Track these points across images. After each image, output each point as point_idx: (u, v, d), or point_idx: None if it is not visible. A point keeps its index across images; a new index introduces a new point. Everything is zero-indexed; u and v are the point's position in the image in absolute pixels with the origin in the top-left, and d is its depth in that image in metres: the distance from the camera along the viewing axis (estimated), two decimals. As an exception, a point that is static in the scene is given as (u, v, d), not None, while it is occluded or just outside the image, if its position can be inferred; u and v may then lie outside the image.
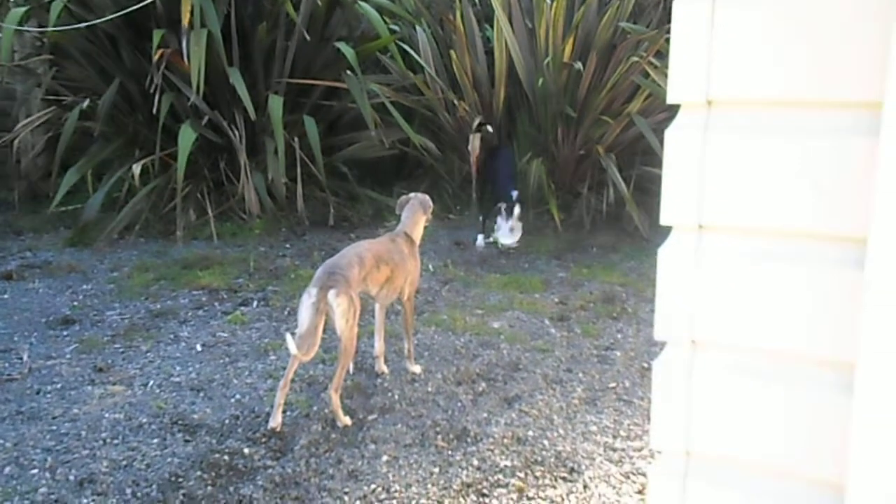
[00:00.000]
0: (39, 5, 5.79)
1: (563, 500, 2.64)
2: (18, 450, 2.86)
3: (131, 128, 6.01)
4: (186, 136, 5.33)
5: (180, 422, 3.09)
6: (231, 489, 2.66)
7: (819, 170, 1.14)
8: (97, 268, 4.98)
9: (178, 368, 3.58)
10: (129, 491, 2.63)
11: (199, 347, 3.82)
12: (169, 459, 2.82)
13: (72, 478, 2.70)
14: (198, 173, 5.82)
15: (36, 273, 4.88)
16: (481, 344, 3.92)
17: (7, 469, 2.74)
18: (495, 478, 2.75)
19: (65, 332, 3.99)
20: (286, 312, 4.25)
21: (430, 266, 5.09)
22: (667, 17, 5.34)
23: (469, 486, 2.70)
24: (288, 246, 5.50)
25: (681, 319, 1.26)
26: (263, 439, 2.97)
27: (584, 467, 2.84)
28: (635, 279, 4.90)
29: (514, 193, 5.34)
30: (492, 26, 6.40)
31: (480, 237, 5.63)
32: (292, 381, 3.13)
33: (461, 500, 2.63)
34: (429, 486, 2.70)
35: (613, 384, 3.51)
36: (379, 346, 3.57)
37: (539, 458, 2.88)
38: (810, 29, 1.12)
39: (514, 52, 6.10)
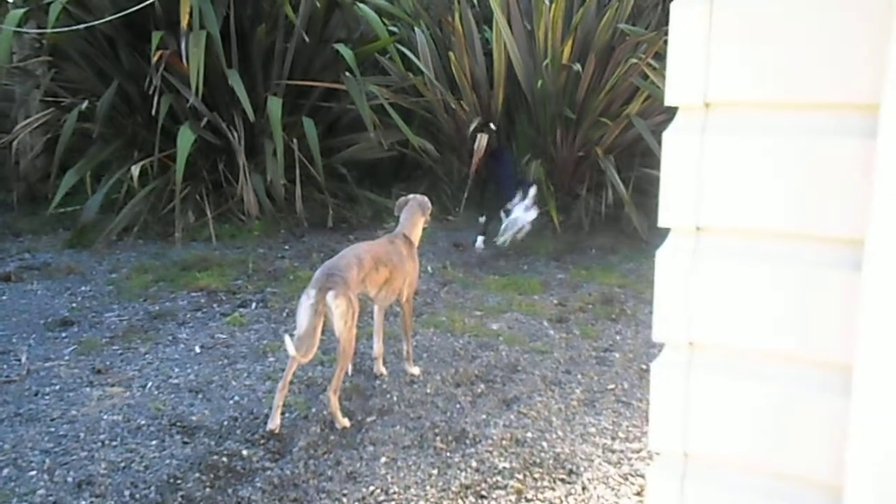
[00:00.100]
0: (38, 7, 5.79)
1: (561, 501, 2.64)
2: (17, 451, 2.86)
3: (130, 129, 6.01)
4: (185, 138, 5.33)
5: (179, 423, 3.09)
6: (230, 491, 2.66)
7: (816, 172, 1.14)
8: (96, 269, 4.98)
9: (176, 370, 3.58)
10: (127, 493, 2.63)
11: (197, 349, 3.82)
12: (167, 461, 2.82)
13: (70, 479, 2.69)
14: (196, 175, 5.82)
15: (34, 274, 4.87)
16: (480, 345, 3.92)
17: (5, 471, 2.74)
18: (494, 479, 2.75)
19: (63, 334, 3.99)
20: (285, 314, 4.25)
21: (429, 267, 5.09)
22: (665, 19, 5.34)
23: (468, 487, 2.70)
24: (287, 247, 5.50)
25: (679, 321, 1.26)
26: (262, 441, 2.97)
27: (582, 469, 2.84)
28: (634, 281, 4.90)
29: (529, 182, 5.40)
30: (491, 28, 6.41)
31: (480, 239, 5.63)
32: (291, 382, 3.13)
33: (460, 501, 2.63)
34: (427, 487, 2.70)
35: (612, 386, 3.51)
36: (377, 347, 3.57)
37: (538, 460, 2.88)
38: (808, 32, 1.13)
39: (513, 54, 6.10)
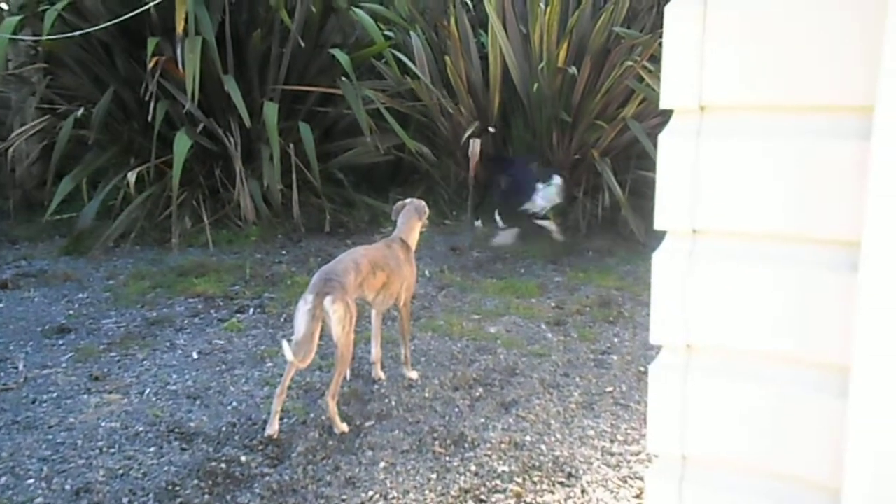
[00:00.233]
0: (33, 14, 5.79)
1: (560, 505, 2.64)
2: (14, 459, 2.85)
3: (126, 136, 6.01)
4: (182, 144, 5.33)
5: (177, 430, 3.08)
6: (228, 497, 2.65)
7: (812, 174, 1.14)
8: (93, 276, 4.97)
9: (174, 376, 3.57)
10: (125, 500, 2.62)
11: (195, 355, 3.81)
12: (166, 468, 2.82)
13: (68, 487, 2.69)
14: (193, 181, 5.82)
15: (31, 282, 4.86)
16: (478, 349, 3.91)
17: (3, 479, 2.73)
18: (493, 483, 2.75)
19: (60, 341, 3.98)
20: (282, 319, 4.24)
21: (427, 272, 5.09)
22: (660, 22, 5.35)
23: (467, 491, 2.70)
24: (284, 252, 5.50)
25: (676, 324, 1.27)
26: (260, 447, 2.96)
27: (581, 472, 2.84)
28: (631, 283, 4.90)
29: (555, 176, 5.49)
30: (486, 32, 6.41)
31: (478, 222, 5.86)
32: (289, 388, 3.13)
33: (459, 506, 2.63)
34: (426, 492, 2.70)
35: (610, 388, 3.51)
36: (375, 352, 3.56)
37: (537, 463, 2.88)
38: (802, 34, 1.13)
39: (509, 58, 6.11)
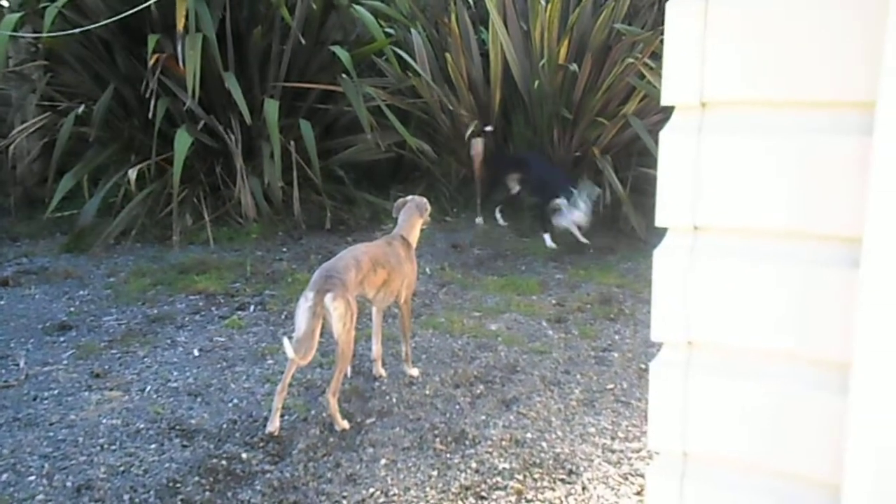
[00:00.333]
0: (34, 11, 5.78)
1: (561, 502, 2.64)
2: (15, 456, 2.86)
3: (127, 133, 6.01)
4: (182, 141, 5.33)
5: (178, 427, 3.08)
6: (229, 494, 2.65)
7: (813, 170, 1.14)
8: (94, 273, 4.97)
9: (175, 373, 3.57)
10: (126, 497, 2.62)
11: (196, 352, 3.81)
12: (167, 465, 2.82)
13: (69, 484, 2.69)
14: (194, 178, 5.81)
15: (32, 279, 4.87)
16: (479, 346, 3.91)
17: (4, 476, 2.73)
18: (494, 480, 2.75)
19: (61, 338, 3.98)
20: (283, 316, 4.24)
21: (427, 269, 5.08)
22: (661, 19, 5.35)
23: (468, 488, 2.70)
24: (285, 250, 5.50)
25: (677, 321, 1.26)
26: (261, 444, 2.97)
27: (582, 469, 2.84)
28: (632, 280, 4.90)
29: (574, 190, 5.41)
30: (487, 29, 6.41)
31: (479, 219, 5.93)
32: (290, 385, 3.13)
33: (460, 503, 2.63)
34: (427, 489, 2.70)
35: (611, 385, 3.51)
36: (376, 349, 3.56)
37: (537, 460, 2.88)
38: (803, 30, 1.13)
39: (510, 55, 6.10)
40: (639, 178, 5.83)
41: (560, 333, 4.11)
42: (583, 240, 5.47)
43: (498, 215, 6.01)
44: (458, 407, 3.29)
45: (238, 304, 4.47)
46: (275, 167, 5.54)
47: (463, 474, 2.79)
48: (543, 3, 5.97)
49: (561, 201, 5.41)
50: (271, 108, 5.51)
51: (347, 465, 2.84)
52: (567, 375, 3.61)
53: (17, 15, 5.67)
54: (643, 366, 3.66)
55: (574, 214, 5.37)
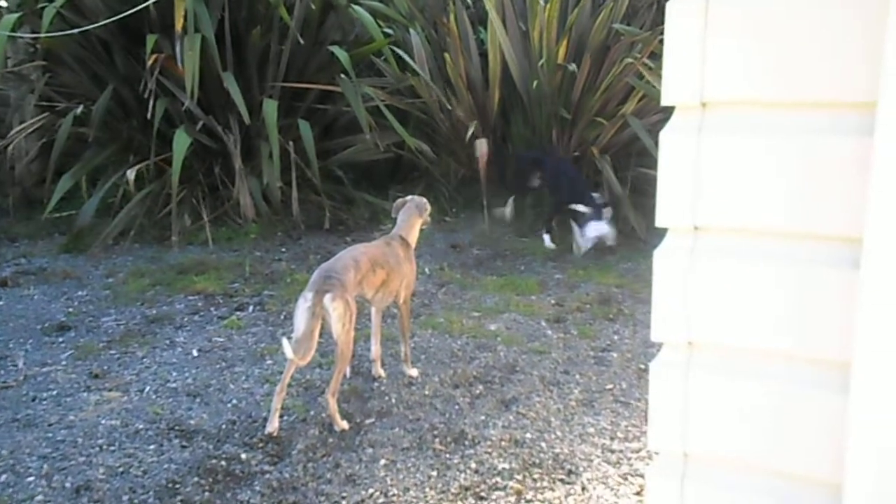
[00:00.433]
0: (32, 11, 5.78)
1: (561, 502, 2.64)
2: (14, 457, 2.85)
3: (125, 133, 6.00)
4: (181, 141, 5.32)
5: (177, 427, 3.08)
6: (228, 495, 2.65)
7: (814, 171, 1.14)
8: (92, 274, 4.97)
9: (174, 374, 3.57)
10: (125, 498, 2.62)
11: (195, 353, 3.81)
12: (166, 466, 2.81)
13: (68, 485, 2.69)
14: (193, 178, 5.81)
15: (31, 279, 4.86)
16: (478, 346, 3.91)
17: (3, 477, 2.73)
18: (493, 480, 2.75)
19: (60, 339, 3.98)
20: (282, 317, 4.24)
21: (427, 269, 5.08)
22: (660, 19, 5.35)
23: (467, 489, 2.70)
24: (283, 250, 5.50)
25: (677, 321, 1.26)
26: (260, 444, 2.96)
27: (581, 469, 2.84)
28: (632, 280, 4.90)
29: (596, 196, 5.35)
30: (486, 29, 6.41)
31: (509, 208, 5.95)
32: (289, 385, 3.13)
33: (459, 503, 2.63)
34: (427, 489, 2.70)
35: (610, 386, 3.51)
36: (375, 349, 3.56)
37: (537, 461, 2.88)
38: (804, 30, 1.13)
39: (509, 55, 6.10)
40: (638, 178, 5.83)
41: (559, 333, 4.11)
42: (610, 243, 5.41)
43: (546, 237, 5.68)
44: (457, 407, 3.29)
45: (237, 304, 4.47)
46: (273, 167, 5.53)
47: (462, 475, 2.78)
48: (542, 3, 5.96)
49: (584, 209, 5.29)
50: (270, 108, 5.51)
51: (347, 465, 2.83)
52: (566, 375, 3.61)
53: (16, 15, 5.67)
54: (642, 366, 3.66)
55: (602, 228, 5.27)
